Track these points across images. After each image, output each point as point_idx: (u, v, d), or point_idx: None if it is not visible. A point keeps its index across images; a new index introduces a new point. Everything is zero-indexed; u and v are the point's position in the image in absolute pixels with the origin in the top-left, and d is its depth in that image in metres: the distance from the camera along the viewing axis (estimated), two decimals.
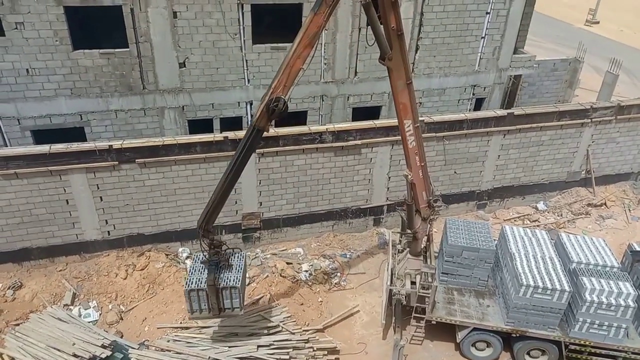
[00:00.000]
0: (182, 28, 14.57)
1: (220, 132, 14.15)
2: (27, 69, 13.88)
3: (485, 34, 17.57)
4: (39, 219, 13.12)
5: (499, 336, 11.96)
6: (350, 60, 16.56)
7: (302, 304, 13.35)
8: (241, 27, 15.02)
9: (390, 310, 12.81)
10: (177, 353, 11.50)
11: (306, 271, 14.40)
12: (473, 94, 18.71)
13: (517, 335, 11.81)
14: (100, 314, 12.81)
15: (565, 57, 23.29)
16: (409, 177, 11.27)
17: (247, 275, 14.05)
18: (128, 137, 14.66)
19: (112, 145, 12.77)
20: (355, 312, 13.47)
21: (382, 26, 9.61)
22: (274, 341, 11.92)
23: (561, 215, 17.67)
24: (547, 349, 11.86)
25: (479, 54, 17.93)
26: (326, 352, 12.02)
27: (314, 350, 11.90)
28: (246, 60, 15.53)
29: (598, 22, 41.01)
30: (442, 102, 18.45)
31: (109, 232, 13.90)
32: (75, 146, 12.58)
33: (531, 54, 19.21)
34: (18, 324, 12.07)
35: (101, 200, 13.38)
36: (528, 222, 17.38)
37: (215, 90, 15.71)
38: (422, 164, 11.16)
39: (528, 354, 12.07)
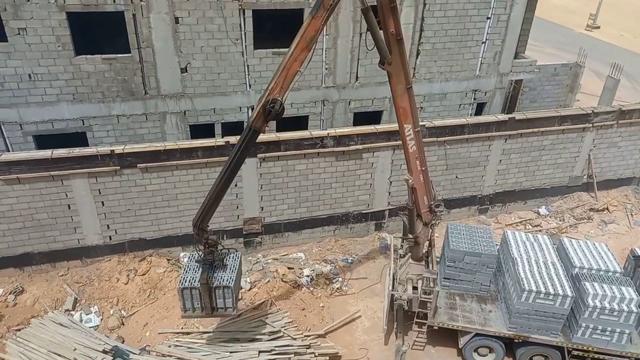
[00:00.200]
0: (184, 33, 14.63)
1: (222, 137, 14.17)
2: (29, 75, 13.93)
3: (486, 39, 17.61)
4: (40, 224, 13.14)
5: (501, 342, 11.91)
6: (351, 65, 16.61)
7: (303, 309, 13.32)
8: (243, 33, 15.09)
9: (392, 316, 12.76)
10: (179, 358, 11.48)
11: (307, 276, 14.37)
12: (474, 99, 18.73)
13: (520, 340, 11.76)
14: (101, 319, 12.79)
15: (566, 62, 23.32)
16: (410, 181, 11.27)
17: (249, 280, 14.05)
18: (130, 142, 14.68)
19: (114, 150, 12.80)
20: (356, 317, 13.43)
21: (381, 31, 9.65)
22: (275, 347, 11.89)
23: (563, 220, 17.63)
24: (549, 354, 11.81)
25: (480, 59, 17.97)
26: (328, 358, 11.97)
27: (315, 356, 11.85)
28: (247, 66, 15.58)
29: (599, 27, 41.07)
30: (443, 106, 18.47)
31: (110, 237, 13.90)
32: (77, 151, 12.62)
33: (532, 59, 19.24)
34: (19, 329, 12.05)
35: (103, 205, 13.39)
36: (530, 226, 17.34)
37: (217, 96, 15.75)
38: (423, 169, 11.16)
39: (531, 359, 12.01)
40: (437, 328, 12.09)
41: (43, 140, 14.81)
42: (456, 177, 16.46)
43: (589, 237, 16.69)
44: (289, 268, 14.57)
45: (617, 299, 10.86)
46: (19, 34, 13.35)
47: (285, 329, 12.41)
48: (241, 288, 13.83)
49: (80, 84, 14.48)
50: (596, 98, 24.03)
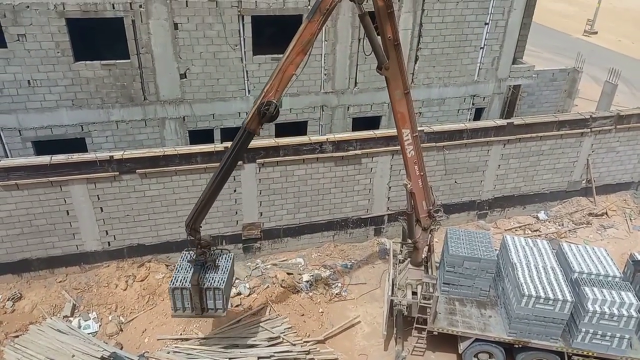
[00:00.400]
0: (183, 39, 14.67)
1: (221, 143, 14.20)
2: (28, 81, 13.94)
3: (484, 45, 17.69)
4: (39, 229, 13.11)
5: (501, 347, 11.88)
6: (350, 70, 16.65)
7: (302, 315, 13.29)
8: (242, 39, 15.13)
9: (392, 321, 12.73)
10: None
11: (307, 282, 14.34)
12: (472, 104, 18.78)
13: (520, 346, 11.73)
14: (100, 326, 12.75)
15: (564, 67, 23.40)
16: (409, 186, 11.29)
17: (248, 286, 14.02)
18: (129, 148, 14.69)
19: (112, 156, 12.80)
20: (356, 322, 13.40)
21: (379, 37, 9.70)
22: (274, 352, 11.85)
23: (562, 224, 17.64)
24: None
25: (478, 64, 18.03)
26: None
27: None
28: (247, 71, 15.62)
29: (596, 33, 41.27)
30: (441, 112, 18.51)
31: (109, 242, 13.87)
32: (76, 157, 12.61)
33: (530, 64, 19.31)
34: (17, 336, 12.00)
35: (102, 211, 13.37)
36: (529, 231, 17.35)
37: (216, 101, 15.78)
38: (422, 174, 11.18)
39: None
40: (436, 333, 12.07)
41: (42, 146, 14.81)
42: (455, 182, 16.47)
43: (588, 242, 16.69)
44: (288, 273, 14.55)
45: (617, 303, 10.85)
46: (18, 40, 13.38)
47: (284, 335, 12.38)
48: (240, 294, 13.84)
49: (79, 90, 14.50)
50: (594, 103, 24.13)
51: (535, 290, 11.16)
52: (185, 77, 15.20)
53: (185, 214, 13.87)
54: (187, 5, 14.25)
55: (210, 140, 16.00)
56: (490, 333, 11.80)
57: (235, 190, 14.17)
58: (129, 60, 14.53)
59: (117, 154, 12.86)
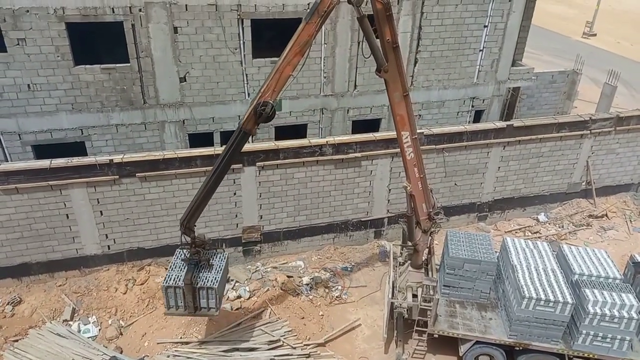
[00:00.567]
0: (183, 43, 14.70)
1: (221, 146, 14.20)
2: (28, 85, 13.97)
3: (484, 47, 17.72)
4: (38, 233, 13.10)
5: (502, 349, 11.85)
6: (349, 73, 16.68)
7: (303, 318, 13.26)
8: (241, 42, 15.16)
9: (392, 324, 12.70)
10: None
11: (307, 284, 14.33)
12: (472, 106, 18.80)
13: (521, 348, 11.70)
14: (99, 329, 12.72)
15: (564, 69, 23.45)
16: (409, 188, 11.29)
17: (248, 289, 14.01)
18: (129, 151, 14.68)
19: (112, 160, 12.80)
20: (356, 325, 13.37)
21: (377, 39, 9.72)
22: (275, 356, 11.84)
23: (562, 226, 17.63)
24: None
25: (478, 67, 18.06)
26: None
27: None
28: (246, 75, 15.64)
29: (595, 35, 41.35)
30: (441, 114, 18.53)
31: (109, 246, 13.86)
32: (75, 161, 12.62)
33: (529, 67, 19.35)
34: (17, 340, 11.98)
35: (101, 214, 13.37)
36: (529, 233, 17.33)
37: (216, 104, 15.80)
38: (421, 176, 11.17)
39: None
40: (437, 336, 12.04)
41: (42, 150, 14.82)
42: (455, 184, 16.47)
43: (588, 244, 16.68)
44: (288, 276, 14.53)
45: (618, 305, 10.83)
46: (18, 44, 13.40)
47: (284, 338, 12.36)
48: (240, 297, 13.84)
49: (79, 94, 14.52)
50: (593, 105, 24.15)
51: (536, 293, 11.14)
52: (185, 80, 15.22)
53: None
54: (186, 9, 14.28)
55: (210, 143, 16.01)
56: (491, 335, 11.78)
57: (235, 193, 14.17)
58: (128, 64, 14.55)
59: (117, 158, 12.87)
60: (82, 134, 15.05)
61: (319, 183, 14.86)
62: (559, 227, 17.63)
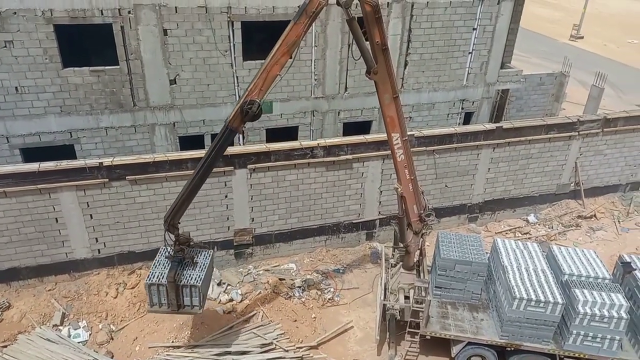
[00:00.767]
0: (173, 45, 14.64)
1: None
2: (16, 87, 13.82)
3: (473, 50, 17.86)
4: (27, 237, 12.95)
5: (493, 350, 11.91)
6: (340, 76, 16.72)
7: (295, 321, 13.24)
8: (232, 44, 15.14)
9: (384, 326, 12.73)
10: None
11: (299, 287, 14.30)
12: (462, 108, 18.94)
13: (512, 348, 11.77)
14: (90, 334, 12.59)
15: (552, 72, 23.70)
16: (399, 190, 11.33)
17: (240, 292, 13.95)
18: (118, 154, 14.60)
19: (102, 163, 12.69)
20: (349, 328, 13.37)
21: (367, 41, 9.77)
22: (267, 359, 11.79)
23: (552, 227, 17.79)
24: None
25: (467, 69, 18.20)
26: None
27: None
28: (237, 77, 15.62)
29: (582, 37, 41.86)
30: (431, 116, 18.64)
31: (99, 250, 13.74)
32: (64, 164, 12.49)
33: (518, 69, 19.53)
34: (6, 346, 11.82)
35: (91, 218, 13.25)
36: (519, 234, 17.47)
37: (206, 107, 15.74)
38: (412, 178, 11.22)
39: None
40: (429, 337, 12.06)
41: (30, 153, 14.66)
42: (445, 186, 16.56)
43: (578, 244, 16.84)
44: (280, 279, 14.50)
45: (607, 305, 10.94)
46: (5, 46, 13.27)
47: (277, 341, 12.32)
48: (232, 300, 13.77)
49: (67, 97, 14.40)
50: (581, 107, 24.41)
51: (527, 293, 11.22)
52: (175, 83, 15.16)
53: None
54: (176, 11, 14.24)
55: (201, 146, 15.95)
56: (483, 336, 11.84)
57: (226, 196, 14.13)
58: (118, 67, 14.47)
59: (107, 161, 12.76)
60: (71, 136, 14.93)
61: (311, 185, 14.86)
62: (549, 227, 17.79)
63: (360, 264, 15.67)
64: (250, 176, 14.11)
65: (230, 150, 13.51)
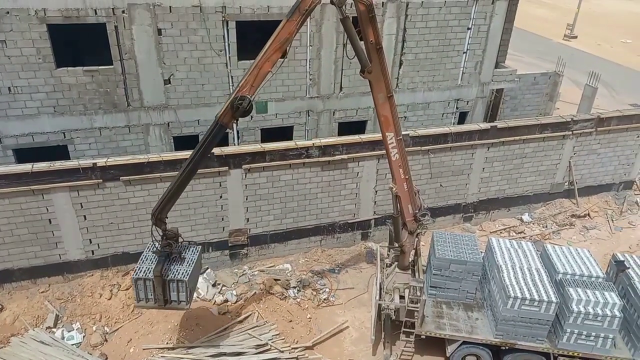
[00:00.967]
0: (167, 45, 14.58)
1: None
2: (9, 87, 13.72)
3: (467, 49, 17.90)
4: (20, 239, 12.85)
5: (488, 349, 11.95)
6: (335, 75, 16.71)
7: (290, 321, 13.22)
8: (226, 44, 15.10)
9: (380, 326, 12.74)
10: None
11: (294, 287, 14.29)
12: (456, 108, 18.97)
13: (507, 347, 11.81)
14: (84, 336, 12.52)
15: (546, 71, 23.81)
16: (394, 189, 11.34)
17: (235, 293, 13.92)
18: (112, 155, 14.51)
19: (96, 163, 12.62)
20: (344, 328, 13.37)
21: (361, 41, 9.78)
22: None
23: (546, 226, 17.86)
24: None
25: (462, 69, 18.24)
26: None
27: None
28: (231, 77, 15.57)
29: (576, 37, 42.06)
30: (426, 116, 18.67)
31: (93, 251, 13.67)
32: (58, 164, 12.41)
33: (512, 68, 19.59)
34: None
35: (85, 219, 13.17)
36: (514, 233, 17.53)
37: (201, 107, 15.69)
38: (407, 177, 11.23)
39: None
40: (424, 337, 12.09)
41: (23, 154, 14.56)
42: (440, 185, 16.59)
43: (572, 243, 16.92)
44: (275, 280, 14.47)
45: (601, 304, 11.00)
46: None
47: (272, 342, 12.30)
48: (227, 301, 13.73)
49: (61, 97, 14.31)
50: (575, 106, 24.53)
51: (521, 292, 11.26)
52: (170, 82, 15.10)
53: (170, 220, 13.71)
54: (170, 11, 14.18)
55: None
56: (478, 335, 11.87)
57: (221, 197, 14.09)
58: (112, 66, 14.39)
59: (101, 161, 12.69)
60: (65, 137, 14.83)
61: (306, 185, 14.84)
62: (543, 227, 17.86)
63: (356, 264, 15.67)
64: (245, 176, 14.07)
65: (225, 150, 13.50)
